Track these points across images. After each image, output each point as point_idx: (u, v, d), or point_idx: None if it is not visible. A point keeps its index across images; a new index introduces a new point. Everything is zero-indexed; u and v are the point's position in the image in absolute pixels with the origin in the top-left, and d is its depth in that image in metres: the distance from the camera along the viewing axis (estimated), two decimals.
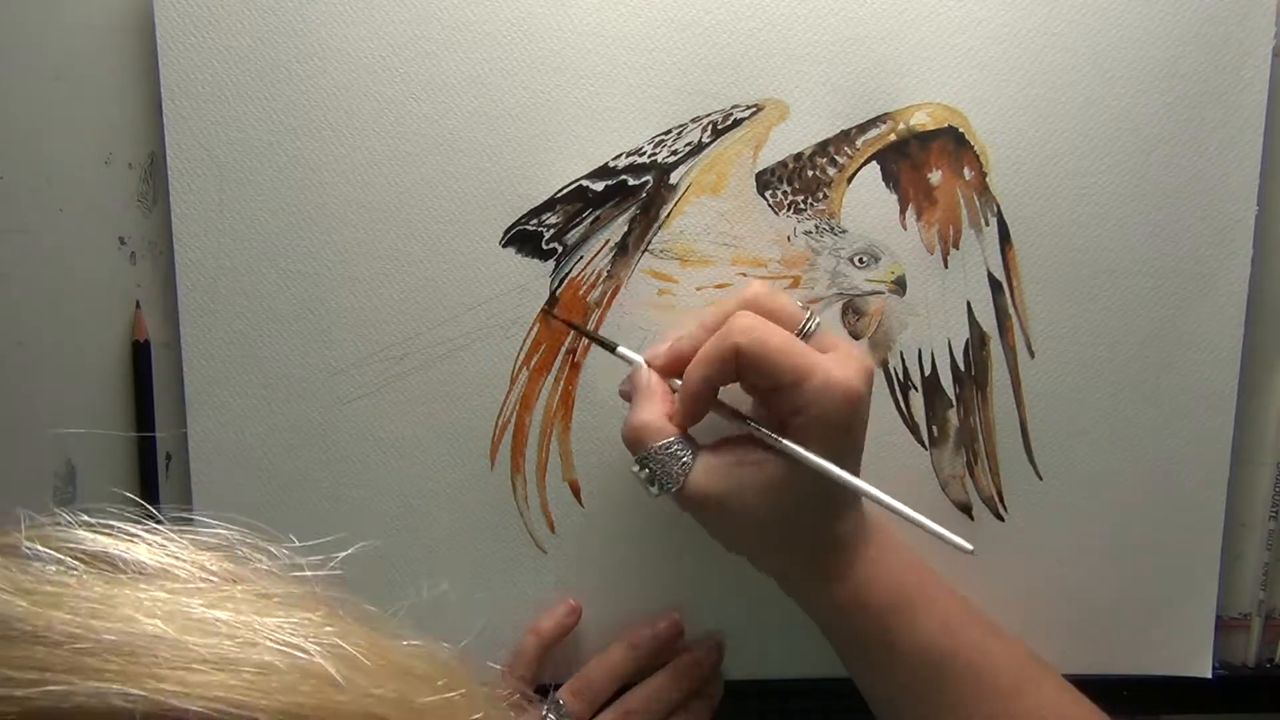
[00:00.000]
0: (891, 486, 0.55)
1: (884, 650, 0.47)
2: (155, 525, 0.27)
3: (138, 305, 0.53)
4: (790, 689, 0.57)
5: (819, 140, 0.52)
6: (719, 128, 0.52)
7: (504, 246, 0.52)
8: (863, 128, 0.52)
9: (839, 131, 0.52)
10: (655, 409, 0.47)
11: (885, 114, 0.52)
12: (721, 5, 0.51)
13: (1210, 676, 0.58)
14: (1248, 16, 0.52)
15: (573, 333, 0.53)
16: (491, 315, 0.53)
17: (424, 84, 0.51)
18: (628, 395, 0.50)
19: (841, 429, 0.46)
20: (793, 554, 0.48)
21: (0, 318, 0.53)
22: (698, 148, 0.52)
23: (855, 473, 0.47)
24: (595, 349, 0.53)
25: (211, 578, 0.26)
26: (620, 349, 0.50)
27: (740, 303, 0.47)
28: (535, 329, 0.53)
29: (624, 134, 0.51)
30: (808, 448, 0.45)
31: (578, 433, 0.54)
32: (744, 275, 0.53)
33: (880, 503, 0.46)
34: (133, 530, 0.26)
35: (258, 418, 0.53)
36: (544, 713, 0.53)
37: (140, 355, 0.53)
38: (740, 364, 0.45)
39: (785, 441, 0.45)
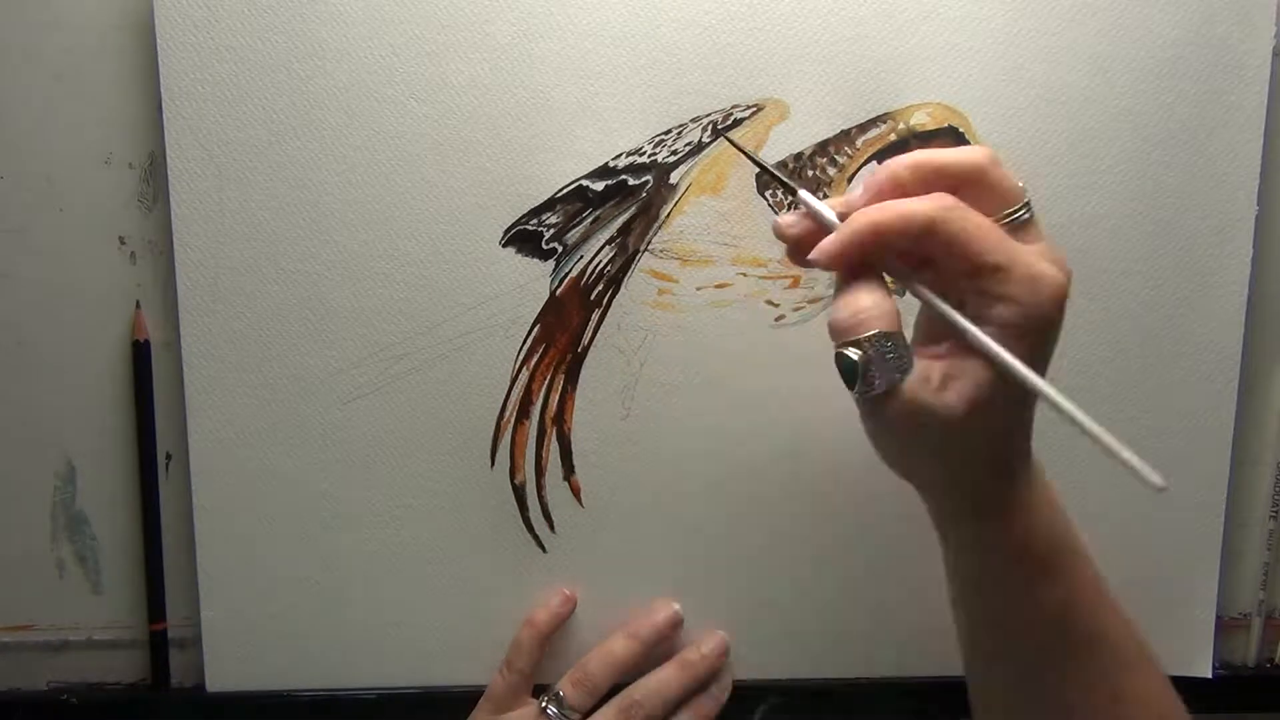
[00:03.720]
0: (892, 486, 0.55)
1: (1028, 599, 0.44)
2: None
3: (138, 305, 0.53)
4: (790, 689, 0.57)
5: (819, 140, 0.52)
6: (719, 127, 0.52)
7: (504, 246, 0.52)
8: (863, 127, 0.52)
9: (839, 131, 0.52)
10: (878, 289, 0.40)
11: (885, 114, 0.52)
12: (721, 5, 0.51)
13: (1210, 676, 0.58)
14: (1248, 16, 0.52)
15: (572, 334, 0.53)
16: (492, 315, 0.53)
17: (424, 84, 0.51)
18: (791, 235, 0.43)
19: (1046, 328, 0.40)
20: (978, 481, 0.42)
21: (0, 318, 0.53)
22: (698, 147, 0.52)
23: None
24: (595, 349, 0.53)
25: None
26: (803, 194, 0.43)
27: (956, 161, 0.41)
28: (536, 328, 0.53)
29: (624, 134, 0.51)
30: (1011, 347, 0.39)
31: (578, 432, 0.54)
32: (744, 275, 0.53)
33: (1082, 426, 0.39)
34: None
35: (258, 417, 0.53)
36: (544, 704, 0.53)
37: (140, 355, 0.53)
38: (936, 236, 0.39)
39: (992, 345, 0.39)
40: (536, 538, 0.55)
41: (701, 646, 0.55)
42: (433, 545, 0.55)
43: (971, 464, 0.42)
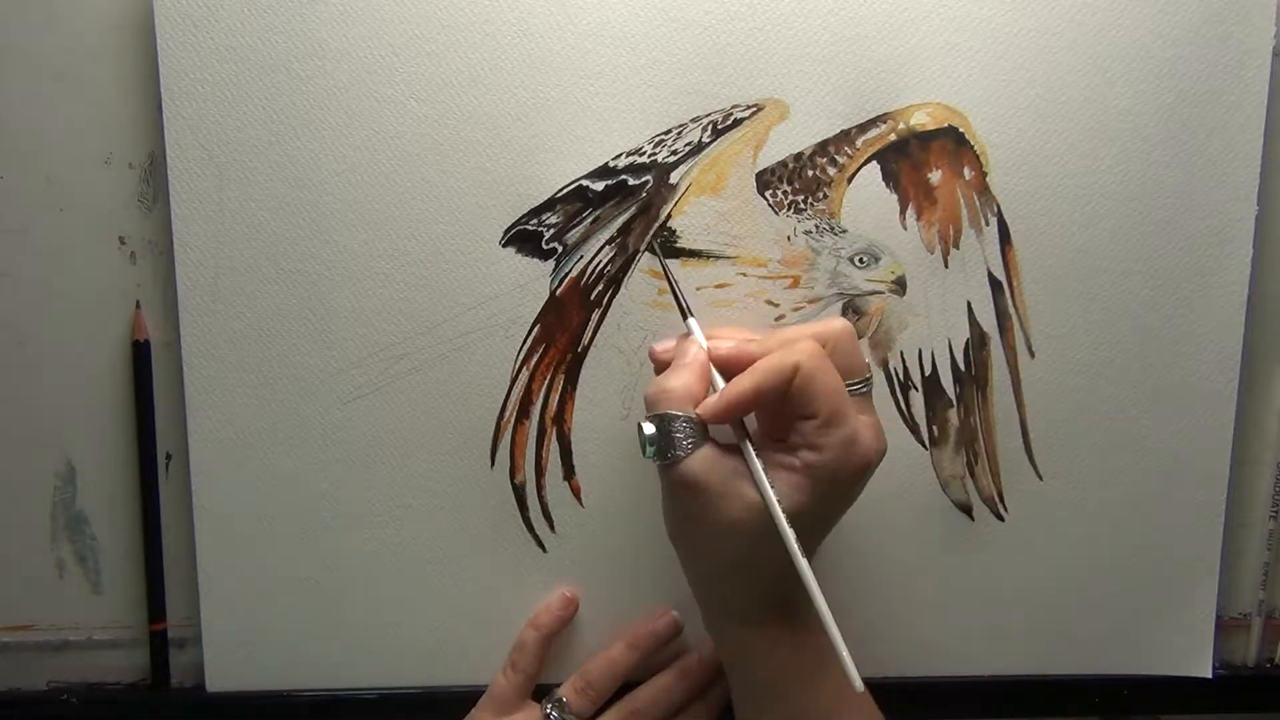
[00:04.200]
0: (891, 486, 0.55)
1: (781, 700, 0.48)
2: None
3: (138, 305, 0.53)
4: None
5: (819, 140, 0.52)
6: (719, 127, 0.52)
7: (504, 246, 0.52)
8: (863, 127, 0.52)
9: (839, 131, 0.52)
10: (694, 383, 0.46)
11: (885, 114, 0.52)
12: (721, 5, 0.51)
13: (1210, 676, 0.58)
14: (1248, 16, 0.52)
15: (572, 334, 0.53)
16: (492, 315, 0.53)
17: (424, 84, 0.51)
18: (660, 358, 0.49)
19: (842, 488, 0.46)
20: (737, 584, 0.47)
21: (0, 318, 0.53)
22: (698, 147, 0.52)
23: (817, 546, 0.48)
24: (595, 349, 0.53)
25: None
26: (691, 321, 0.49)
27: (814, 332, 0.46)
28: (536, 329, 0.53)
29: (624, 134, 0.51)
30: (802, 488, 0.44)
31: (578, 433, 0.54)
32: (744, 275, 0.53)
33: (815, 602, 0.44)
34: None
35: (258, 417, 0.53)
36: (547, 710, 0.53)
37: (140, 355, 0.53)
38: (792, 385, 0.44)
39: (770, 492, 0.44)
40: (536, 538, 0.55)
41: (701, 653, 0.55)
42: (433, 545, 0.55)
43: (739, 564, 0.46)
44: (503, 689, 0.54)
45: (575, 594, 0.56)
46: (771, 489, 0.44)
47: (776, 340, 0.47)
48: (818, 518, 0.46)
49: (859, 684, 0.43)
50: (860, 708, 0.49)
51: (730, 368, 0.47)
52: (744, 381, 0.45)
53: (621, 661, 0.54)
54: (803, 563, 0.44)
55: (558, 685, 0.55)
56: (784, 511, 0.44)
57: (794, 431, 0.45)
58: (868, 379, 0.47)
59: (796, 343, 0.45)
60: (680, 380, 0.46)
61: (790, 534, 0.44)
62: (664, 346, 0.49)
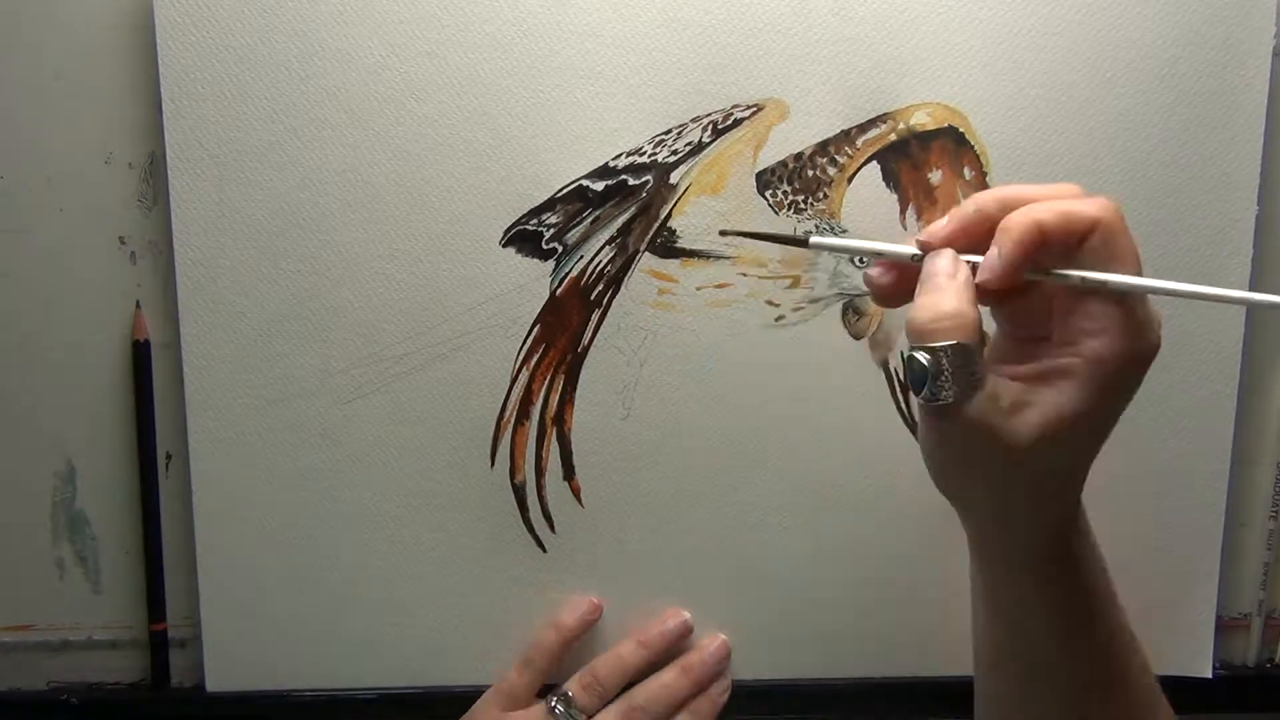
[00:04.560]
0: (892, 486, 0.55)
1: (1061, 643, 0.43)
2: None
3: (138, 305, 0.53)
4: (791, 690, 0.57)
5: (819, 140, 0.52)
6: (719, 127, 0.52)
7: (504, 246, 0.52)
8: (863, 127, 0.52)
9: (839, 131, 0.52)
10: (965, 295, 0.37)
11: (885, 114, 0.52)
12: (721, 5, 0.51)
13: (1210, 676, 0.58)
14: (1248, 16, 0.52)
15: (572, 334, 0.53)
16: (492, 315, 0.53)
17: (424, 84, 0.51)
18: (881, 286, 0.42)
19: (1125, 388, 0.38)
20: (1030, 517, 0.41)
21: (0, 318, 0.53)
22: (698, 147, 0.52)
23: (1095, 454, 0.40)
24: (595, 349, 0.53)
25: None
26: (827, 240, 0.43)
27: (1069, 190, 0.39)
28: (536, 329, 0.53)
29: (624, 134, 0.51)
30: (1087, 388, 0.37)
31: (578, 433, 0.54)
32: (744, 275, 0.53)
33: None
34: None
35: (258, 417, 0.53)
36: (552, 704, 0.53)
37: (140, 355, 0.53)
38: (1089, 241, 0.37)
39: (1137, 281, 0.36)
40: (536, 538, 0.55)
41: (704, 650, 0.55)
42: (433, 545, 0.55)
43: (1025, 498, 0.40)
44: (513, 685, 0.54)
45: (601, 602, 0.55)
46: (1050, 394, 0.37)
47: (992, 201, 0.39)
48: (1111, 400, 0.38)
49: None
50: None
51: (966, 243, 0.39)
52: (1025, 217, 0.37)
53: (631, 660, 0.54)
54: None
55: (557, 684, 0.55)
56: (1069, 416, 0.37)
57: (1076, 314, 0.37)
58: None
59: (1090, 197, 0.37)
60: (954, 302, 0.37)
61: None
62: (876, 275, 0.42)
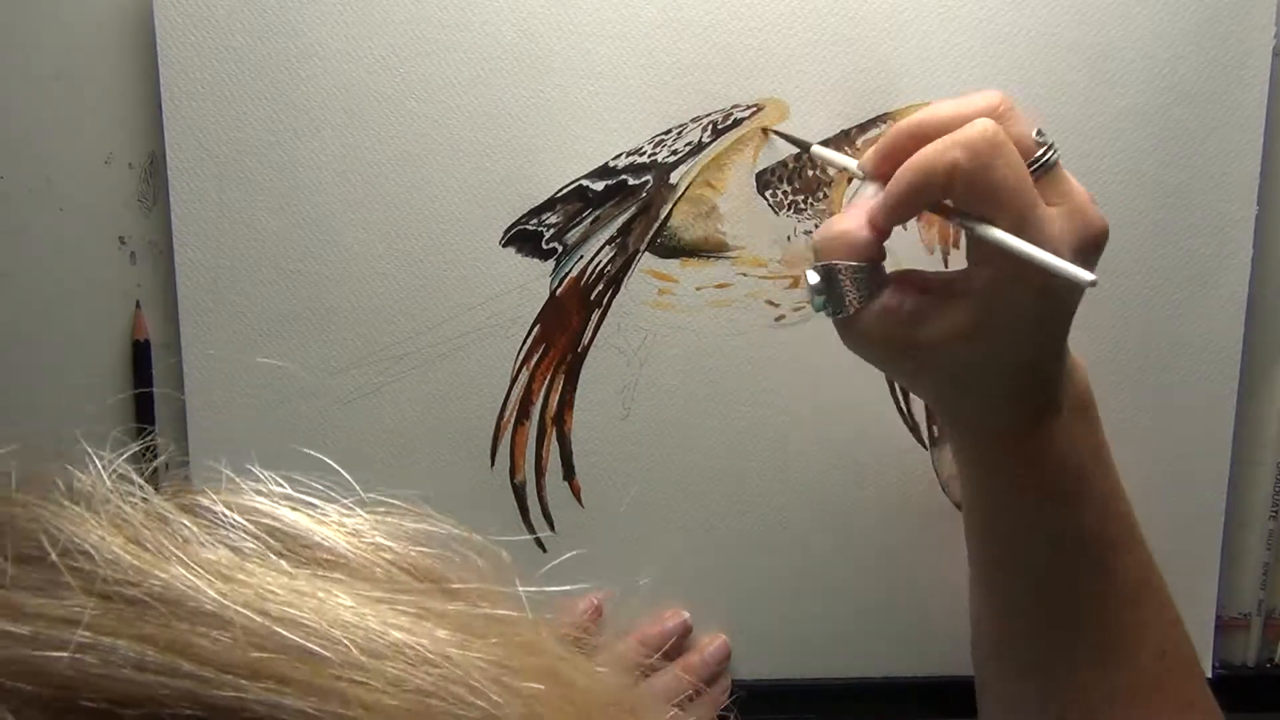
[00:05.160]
0: (892, 486, 0.55)
1: (1064, 513, 0.43)
2: (351, 509, 0.23)
3: (138, 305, 0.53)
4: (790, 689, 0.57)
5: (819, 140, 0.52)
6: (719, 127, 0.52)
7: (504, 246, 0.52)
8: (863, 127, 0.52)
9: (839, 131, 0.52)
10: (862, 220, 0.40)
11: (885, 113, 0.52)
12: (721, 5, 0.51)
13: (1211, 676, 0.58)
14: (1248, 16, 0.52)
15: (572, 334, 0.53)
16: (492, 315, 0.53)
17: (424, 83, 0.51)
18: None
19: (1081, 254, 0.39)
20: (972, 405, 0.42)
21: (0, 318, 0.53)
22: (698, 147, 0.52)
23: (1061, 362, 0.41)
24: (595, 349, 0.53)
25: (419, 583, 0.22)
26: (817, 148, 0.46)
27: (974, 110, 0.40)
28: (536, 329, 0.53)
29: (624, 134, 0.51)
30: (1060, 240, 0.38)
31: (578, 432, 0.54)
32: (744, 275, 0.53)
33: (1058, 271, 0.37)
34: (331, 511, 0.23)
35: (258, 417, 0.53)
36: None
37: (140, 355, 0.53)
38: (960, 183, 0.38)
39: (1024, 244, 0.37)
40: (537, 538, 0.55)
41: (703, 650, 0.55)
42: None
43: (959, 382, 0.42)
44: None
45: (602, 600, 0.54)
46: (949, 309, 0.39)
47: (923, 124, 0.40)
48: (1010, 332, 0.40)
49: (1088, 276, 0.36)
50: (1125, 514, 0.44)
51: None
52: (900, 181, 0.39)
53: (630, 658, 0.54)
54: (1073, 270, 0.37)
55: None
56: (963, 329, 0.39)
57: (971, 241, 0.40)
58: (1048, 144, 0.40)
59: (966, 128, 0.38)
60: (846, 222, 0.40)
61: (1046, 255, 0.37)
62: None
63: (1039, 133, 0.40)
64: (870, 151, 0.42)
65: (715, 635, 0.56)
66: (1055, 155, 0.40)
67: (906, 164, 0.39)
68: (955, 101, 0.41)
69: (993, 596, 0.47)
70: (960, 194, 0.38)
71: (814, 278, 0.41)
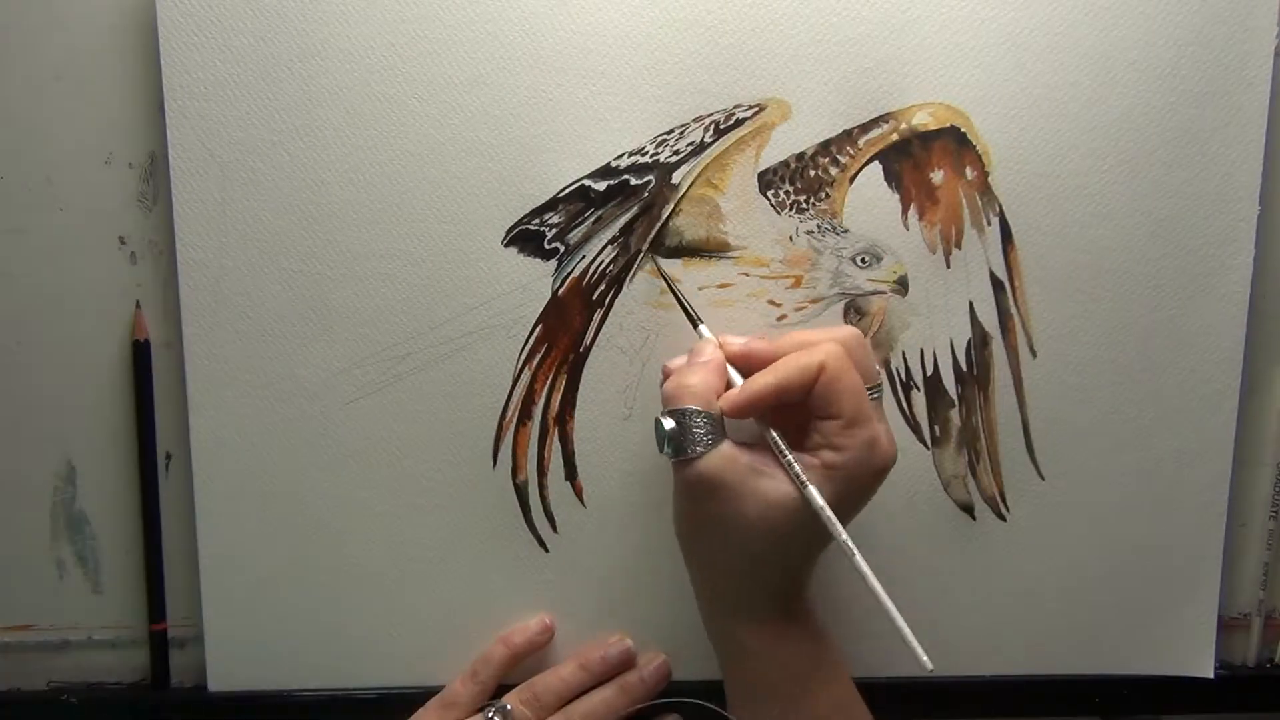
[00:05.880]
0: (893, 486, 0.55)
1: (778, 700, 0.48)
2: None
3: (138, 305, 0.53)
4: None
5: (821, 140, 0.52)
6: (721, 127, 0.52)
7: (506, 246, 0.52)
8: (865, 127, 0.52)
9: (841, 131, 0.52)
10: (710, 380, 0.46)
11: (887, 114, 0.52)
12: (724, 5, 0.51)
13: (1212, 676, 0.58)
14: (1250, 16, 0.52)
15: (574, 334, 0.53)
16: (494, 315, 0.53)
17: (426, 83, 0.50)
18: (670, 369, 0.49)
19: (860, 490, 0.46)
20: (745, 581, 0.48)
21: (0, 318, 0.53)
22: (700, 147, 0.52)
23: (822, 550, 0.48)
24: (597, 349, 0.53)
25: None
26: (702, 327, 0.50)
27: (830, 337, 0.47)
28: (538, 329, 0.53)
29: (626, 133, 0.51)
30: (820, 489, 0.45)
31: (580, 433, 0.54)
32: (746, 275, 0.53)
33: (867, 583, 0.45)
34: None
35: (258, 417, 0.53)
36: (489, 715, 0.53)
37: (140, 355, 0.53)
38: (817, 384, 0.45)
39: (810, 486, 0.45)
40: (538, 538, 0.55)
41: (642, 670, 0.55)
42: (434, 545, 0.55)
43: (754, 561, 0.46)
44: (457, 694, 0.54)
45: (554, 622, 0.56)
46: (802, 482, 0.45)
47: (790, 342, 0.47)
48: (840, 506, 0.46)
49: (929, 664, 0.44)
50: (856, 715, 0.49)
51: (746, 366, 0.47)
52: (767, 376, 0.45)
53: (571, 681, 0.54)
54: (851, 546, 0.45)
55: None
56: (795, 498, 0.45)
57: (814, 431, 0.46)
58: (879, 385, 0.48)
59: (819, 344, 0.45)
60: (699, 377, 0.46)
61: (835, 520, 0.44)
62: (676, 362, 0.50)
63: (879, 373, 0.49)
64: (736, 341, 0.48)
65: (655, 654, 0.56)
66: (879, 393, 0.48)
67: (774, 365, 0.46)
68: (812, 331, 0.48)
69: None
70: (821, 390, 0.45)
71: (669, 423, 0.45)
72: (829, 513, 0.45)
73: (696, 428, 0.45)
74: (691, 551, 0.49)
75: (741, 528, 0.45)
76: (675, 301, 0.51)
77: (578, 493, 0.55)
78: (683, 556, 0.49)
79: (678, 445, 0.45)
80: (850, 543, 0.45)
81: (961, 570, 0.56)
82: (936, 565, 0.56)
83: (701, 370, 0.47)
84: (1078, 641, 0.58)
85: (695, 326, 0.50)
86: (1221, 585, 0.58)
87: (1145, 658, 0.58)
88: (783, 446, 0.46)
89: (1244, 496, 0.58)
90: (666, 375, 0.49)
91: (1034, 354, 0.55)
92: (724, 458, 0.45)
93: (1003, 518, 0.56)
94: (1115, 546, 0.57)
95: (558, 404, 0.54)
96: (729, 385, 0.47)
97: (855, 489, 0.46)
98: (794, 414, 0.46)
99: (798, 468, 0.45)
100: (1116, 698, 0.58)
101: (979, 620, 0.57)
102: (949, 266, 0.54)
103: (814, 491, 0.45)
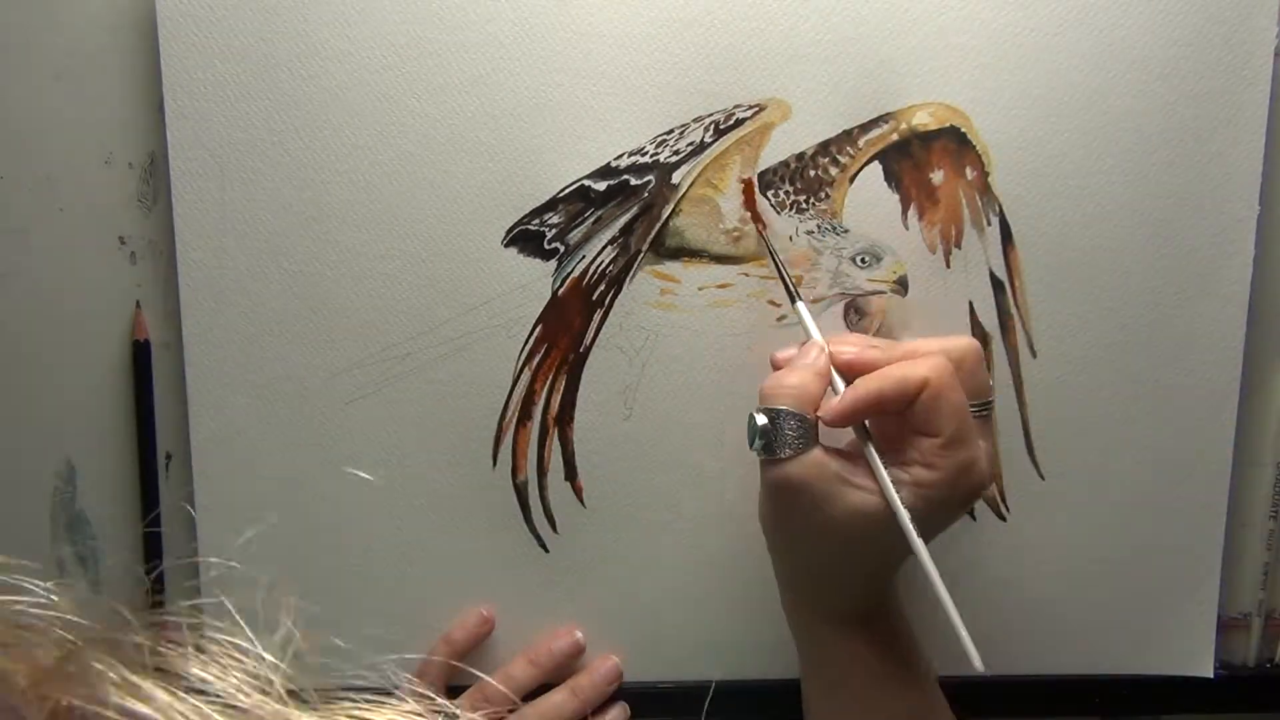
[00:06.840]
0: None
1: (855, 700, 0.48)
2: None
3: (138, 305, 0.53)
4: (790, 689, 0.57)
5: (821, 140, 0.52)
6: (721, 127, 0.52)
7: (506, 246, 0.52)
8: (865, 127, 0.52)
9: (841, 131, 0.52)
10: (812, 383, 0.46)
11: (887, 114, 0.52)
12: (723, 4, 0.51)
13: (1213, 676, 0.58)
14: (1249, 16, 0.52)
15: (574, 334, 0.53)
16: (494, 315, 0.53)
17: (426, 83, 0.50)
18: (780, 364, 0.49)
19: (947, 512, 0.46)
20: (829, 584, 0.48)
21: (0, 318, 0.53)
22: (700, 147, 0.52)
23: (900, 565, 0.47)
24: (597, 349, 0.53)
25: None
26: (800, 305, 0.49)
27: (943, 348, 0.46)
28: (538, 329, 0.53)
29: (626, 133, 0.51)
30: (911, 506, 0.44)
31: (580, 433, 0.54)
32: (746, 275, 0.53)
33: (939, 597, 0.45)
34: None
35: (259, 417, 0.53)
36: None
37: (140, 355, 0.53)
38: (918, 400, 0.44)
39: (903, 510, 0.44)
40: (538, 538, 0.55)
41: (593, 672, 0.55)
42: (434, 545, 0.55)
43: (835, 569, 0.47)
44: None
45: (492, 614, 0.55)
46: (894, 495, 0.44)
47: (901, 350, 0.47)
48: (926, 523, 0.45)
49: (980, 664, 0.44)
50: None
51: (850, 374, 0.47)
52: (870, 384, 0.45)
53: (520, 678, 0.54)
54: (930, 566, 0.44)
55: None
56: (883, 510, 0.44)
57: (910, 447, 0.44)
58: (990, 401, 0.47)
59: (926, 356, 0.45)
60: (799, 378, 0.46)
61: (918, 541, 0.44)
62: (786, 354, 0.49)
63: (992, 389, 0.48)
64: (848, 347, 0.48)
65: (606, 656, 0.56)
66: (989, 410, 0.48)
67: (875, 379, 0.45)
68: (931, 341, 0.47)
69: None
70: (925, 404, 0.44)
71: (761, 419, 0.45)
72: (914, 535, 0.43)
73: (789, 430, 0.44)
74: (773, 545, 0.49)
75: (824, 534, 0.45)
76: (781, 283, 0.51)
77: (578, 493, 0.55)
78: (766, 547, 0.49)
79: (768, 444, 0.45)
80: (929, 562, 0.44)
81: (961, 570, 0.56)
82: (938, 565, 0.56)
83: (802, 372, 0.46)
84: (1078, 641, 0.58)
85: (794, 303, 0.50)
86: (1221, 585, 0.57)
87: (1145, 658, 0.58)
88: (879, 465, 0.44)
89: (1244, 497, 0.58)
90: (774, 365, 0.49)
91: (1034, 354, 0.55)
92: (813, 464, 0.44)
93: (1003, 518, 0.56)
94: (1115, 546, 0.57)
95: (558, 404, 0.54)
96: (832, 389, 0.46)
97: (942, 510, 0.45)
98: (893, 421, 0.45)
99: (892, 489, 0.44)
100: (1116, 698, 0.58)
101: (978, 620, 0.57)
102: (949, 266, 0.54)
103: (905, 515, 0.43)
